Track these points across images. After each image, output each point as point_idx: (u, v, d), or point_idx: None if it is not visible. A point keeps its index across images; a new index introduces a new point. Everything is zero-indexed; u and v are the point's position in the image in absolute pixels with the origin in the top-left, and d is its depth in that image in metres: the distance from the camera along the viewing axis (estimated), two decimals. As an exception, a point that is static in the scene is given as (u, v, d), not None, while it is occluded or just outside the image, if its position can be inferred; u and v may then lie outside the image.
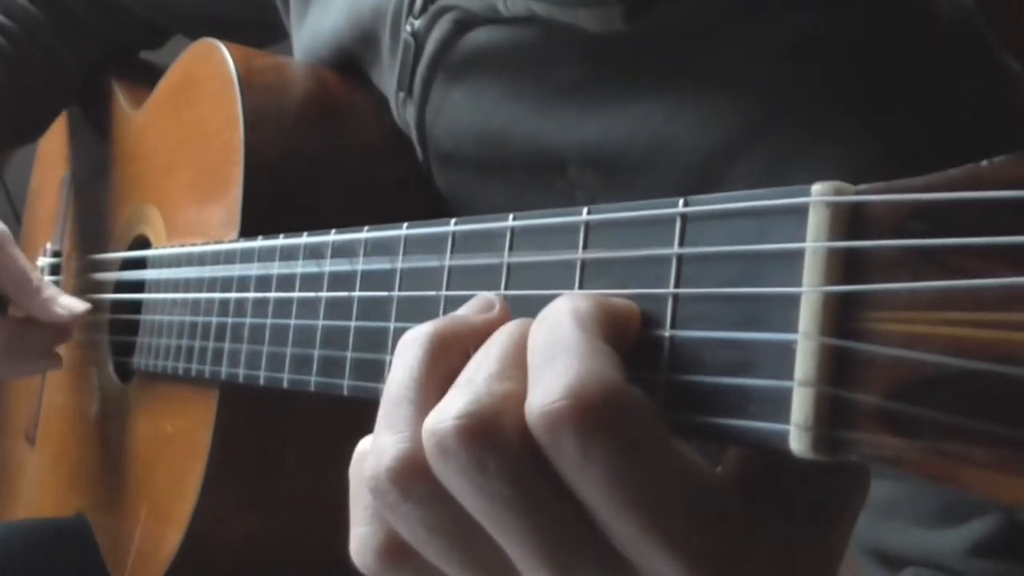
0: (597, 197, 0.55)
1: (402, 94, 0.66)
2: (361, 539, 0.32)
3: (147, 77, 0.89)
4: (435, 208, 0.66)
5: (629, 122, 0.54)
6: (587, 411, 0.26)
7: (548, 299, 0.35)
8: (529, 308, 0.36)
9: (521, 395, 0.28)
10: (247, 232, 0.63)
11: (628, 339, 0.30)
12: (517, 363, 0.29)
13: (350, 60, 0.72)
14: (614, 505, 0.27)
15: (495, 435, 0.28)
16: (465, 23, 0.61)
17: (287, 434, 0.65)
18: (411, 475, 0.29)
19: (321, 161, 0.68)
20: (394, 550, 0.31)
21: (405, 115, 0.67)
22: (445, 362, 0.31)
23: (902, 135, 0.48)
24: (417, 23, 0.64)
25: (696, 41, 0.52)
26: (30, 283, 0.73)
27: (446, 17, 0.62)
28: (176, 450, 0.68)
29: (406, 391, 0.31)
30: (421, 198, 0.67)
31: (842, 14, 0.50)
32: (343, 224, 0.67)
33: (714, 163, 0.51)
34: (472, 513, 0.29)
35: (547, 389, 0.27)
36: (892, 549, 0.49)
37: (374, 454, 0.30)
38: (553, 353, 0.28)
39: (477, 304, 0.34)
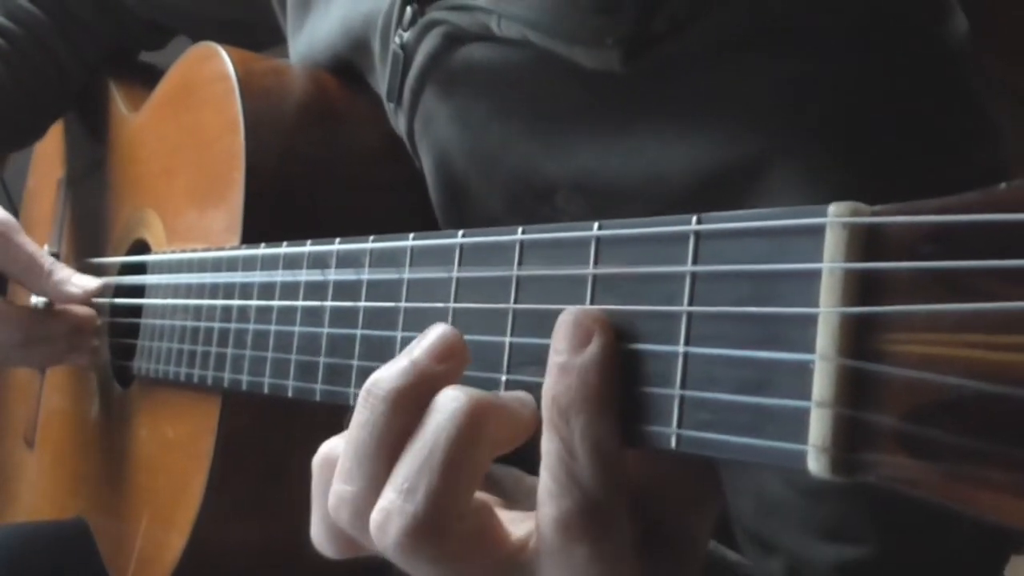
0: None
1: (391, 104, 0.66)
2: (321, 519, 0.37)
3: (144, 78, 0.89)
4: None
5: (623, 152, 0.53)
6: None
7: (558, 314, 0.35)
8: (540, 323, 0.36)
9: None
10: (249, 237, 0.63)
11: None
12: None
13: (347, 66, 0.71)
14: None
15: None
16: (455, 38, 0.61)
17: (290, 439, 0.65)
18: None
19: (321, 164, 0.68)
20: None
21: (397, 124, 0.67)
22: (403, 419, 0.34)
23: (893, 185, 0.48)
24: (406, 35, 0.63)
25: (692, 77, 0.52)
26: (41, 268, 0.74)
27: (436, 31, 0.61)
28: (178, 456, 0.68)
29: (366, 448, 0.35)
30: (422, 199, 0.67)
31: (836, 59, 0.50)
32: (345, 226, 0.67)
33: (705, 200, 0.51)
34: None
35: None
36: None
37: (335, 495, 0.35)
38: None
39: (438, 348, 0.36)
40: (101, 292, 0.75)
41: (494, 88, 0.59)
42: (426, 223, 0.66)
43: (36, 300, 0.94)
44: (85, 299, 0.74)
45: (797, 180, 0.49)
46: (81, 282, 0.74)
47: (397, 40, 0.64)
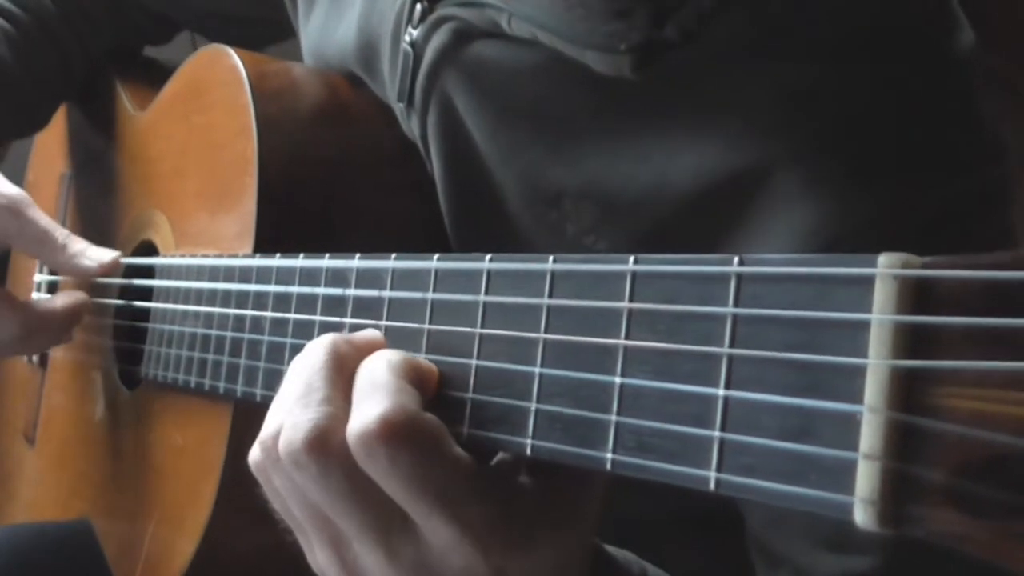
0: (588, 232, 0.55)
1: (402, 106, 0.66)
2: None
3: (150, 75, 0.88)
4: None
5: (630, 159, 0.53)
6: (392, 431, 0.37)
7: (592, 347, 0.35)
8: (572, 355, 0.36)
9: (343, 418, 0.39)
10: (261, 243, 0.62)
11: (430, 388, 0.41)
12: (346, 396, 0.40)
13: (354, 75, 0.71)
14: (411, 495, 0.38)
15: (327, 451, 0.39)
16: (465, 34, 0.60)
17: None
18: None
19: (334, 168, 0.67)
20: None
21: (410, 126, 0.66)
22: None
23: (894, 199, 0.48)
24: (415, 33, 0.63)
25: (698, 84, 0.52)
26: (55, 241, 0.74)
27: (445, 27, 0.61)
28: (187, 462, 0.67)
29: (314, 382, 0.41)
30: (436, 204, 0.67)
31: (840, 68, 0.50)
32: (359, 230, 0.67)
33: (709, 207, 0.51)
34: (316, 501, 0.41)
35: (364, 417, 0.38)
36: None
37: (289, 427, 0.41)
38: (371, 390, 0.39)
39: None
40: (115, 267, 0.74)
41: (502, 90, 0.59)
42: (441, 227, 0.66)
43: (38, 288, 0.94)
44: (100, 273, 0.74)
45: (800, 188, 0.49)
46: (96, 255, 0.74)
47: (407, 39, 0.64)
